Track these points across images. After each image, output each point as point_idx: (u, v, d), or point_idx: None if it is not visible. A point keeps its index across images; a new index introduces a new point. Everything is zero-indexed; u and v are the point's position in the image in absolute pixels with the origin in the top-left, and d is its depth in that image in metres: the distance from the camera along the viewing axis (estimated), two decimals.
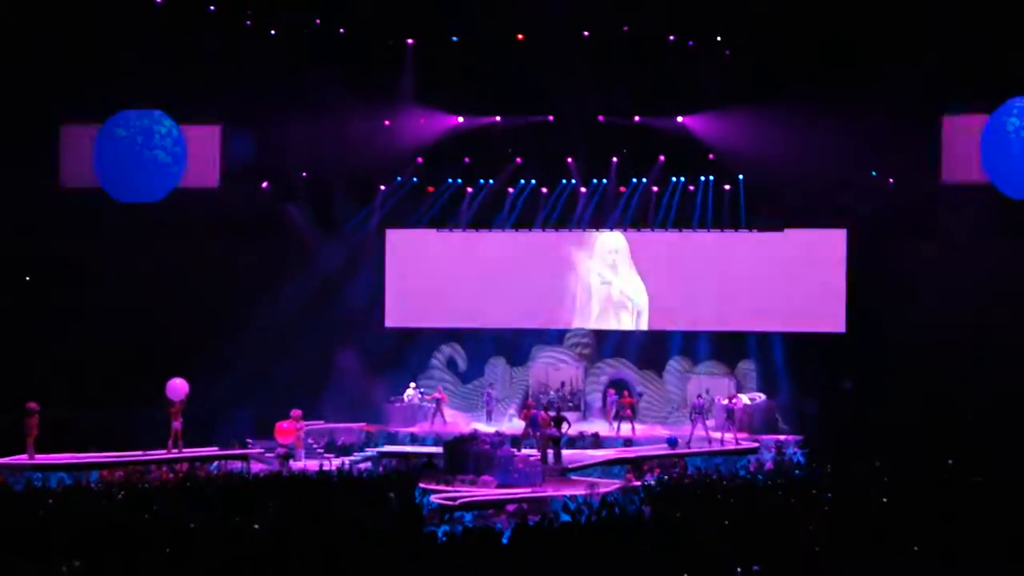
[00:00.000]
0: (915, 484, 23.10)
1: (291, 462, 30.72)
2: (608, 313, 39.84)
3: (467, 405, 39.12)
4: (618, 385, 38.18)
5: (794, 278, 37.82)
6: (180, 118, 35.26)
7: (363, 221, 39.78)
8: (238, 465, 30.45)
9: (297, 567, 15.74)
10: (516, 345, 40.03)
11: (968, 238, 35.18)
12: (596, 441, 34.33)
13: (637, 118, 37.47)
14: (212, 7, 33.86)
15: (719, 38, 35.10)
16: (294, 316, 37.05)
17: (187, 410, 30.47)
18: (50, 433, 29.07)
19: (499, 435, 31.87)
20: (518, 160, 39.00)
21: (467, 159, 39.03)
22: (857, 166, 35.90)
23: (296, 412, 31.85)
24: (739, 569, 15.62)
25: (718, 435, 33.97)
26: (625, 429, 35.37)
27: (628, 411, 35.68)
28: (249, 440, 32.06)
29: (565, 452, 31.49)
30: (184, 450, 30.31)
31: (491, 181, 39.59)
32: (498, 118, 38.02)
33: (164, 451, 30.10)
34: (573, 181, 39.52)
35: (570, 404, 37.79)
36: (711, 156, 37.57)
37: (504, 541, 17.30)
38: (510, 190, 39.69)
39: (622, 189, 39.48)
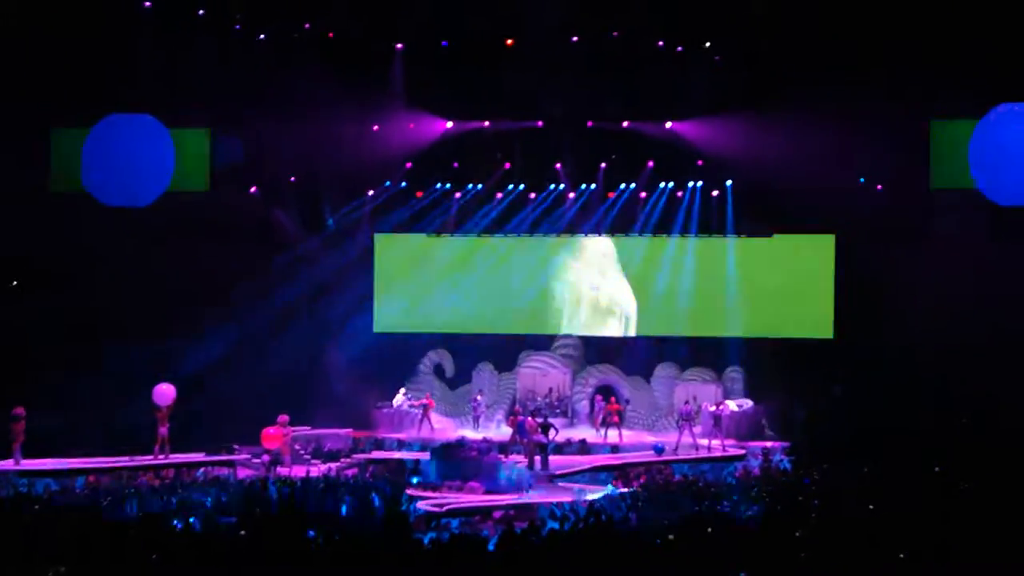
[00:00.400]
0: (903, 490, 23.13)
1: (278, 468, 30.65)
2: (596, 319, 39.84)
3: (454, 411, 39.03)
4: (605, 391, 38.14)
5: (782, 284, 37.85)
6: (169, 122, 35.17)
7: (352, 226, 39.72)
8: (224, 471, 30.43)
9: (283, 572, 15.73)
10: (503, 351, 39.93)
11: (957, 244, 35.19)
12: (583, 448, 34.32)
13: (626, 123, 37.50)
14: (201, 11, 33.83)
15: (708, 44, 35.14)
16: (281, 321, 36.98)
17: (173, 415, 30.42)
18: (36, 438, 29.00)
19: (486, 442, 31.86)
20: (507, 165, 39.00)
21: (456, 164, 39.02)
22: (846, 172, 35.91)
23: (283, 418, 31.74)
24: None
25: (705, 442, 33.95)
26: (612, 436, 35.33)
27: (615, 417, 35.65)
28: (236, 446, 32.00)
29: (552, 459, 31.47)
30: (171, 456, 30.26)
31: (480, 186, 39.58)
32: (487, 123, 38.03)
33: (151, 457, 30.04)
34: (562, 186, 39.52)
35: (557, 410, 37.76)
36: (700, 162, 37.62)
37: (490, 548, 17.28)
38: (499, 195, 39.66)
39: (611, 195, 39.47)
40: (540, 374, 39.35)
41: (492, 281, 39.60)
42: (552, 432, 31.43)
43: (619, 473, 30.71)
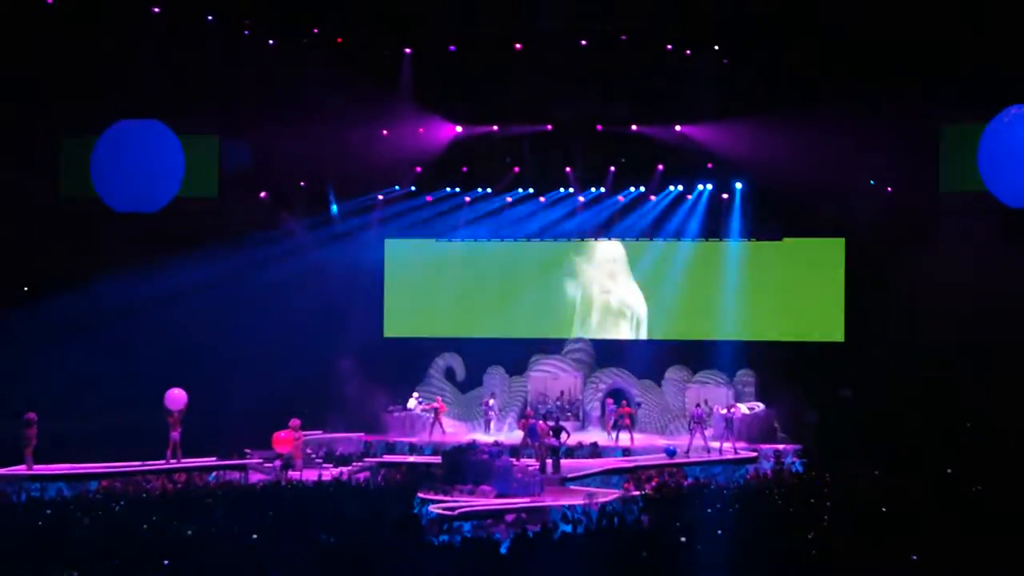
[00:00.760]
0: (914, 492, 23.11)
1: (290, 472, 30.66)
2: (607, 322, 39.86)
3: (466, 415, 39.04)
4: (616, 395, 38.12)
5: (793, 287, 37.87)
6: (178, 128, 35.23)
7: (361, 230, 39.74)
8: (236, 475, 30.46)
9: None
10: (514, 355, 39.93)
11: (966, 247, 35.18)
12: (595, 451, 34.30)
13: (635, 127, 37.49)
14: (210, 17, 33.89)
15: (717, 47, 35.12)
16: (292, 326, 36.96)
17: (185, 420, 30.44)
18: (48, 444, 29.04)
19: (498, 445, 31.86)
20: (516, 169, 39.02)
21: (465, 168, 39.06)
22: (856, 175, 35.90)
23: (295, 422, 31.75)
24: None
25: (717, 444, 33.96)
26: (624, 439, 35.31)
27: (627, 420, 35.64)
28: (247, 450, 32.04)
29: (564, 462, 31.46)
30: (183, 460, 30.29)
31: (489, 190, 39.61)
32: (496, 127, 38.05)
33: (163, 461, 30.08)
34: (571, 190, 39.54)
35: (569, 414, 37.77)
36: (710, 165, 37.61)
37: (503, 551, 17.30)
38: (508, 199, 39.69)
39: (620, 198, 39.49)
40: (551, 377, 39.34)
41: (502, 285, 39.62)
42: (564, 435, 31.41)
43: (631, 476, 30.66)
